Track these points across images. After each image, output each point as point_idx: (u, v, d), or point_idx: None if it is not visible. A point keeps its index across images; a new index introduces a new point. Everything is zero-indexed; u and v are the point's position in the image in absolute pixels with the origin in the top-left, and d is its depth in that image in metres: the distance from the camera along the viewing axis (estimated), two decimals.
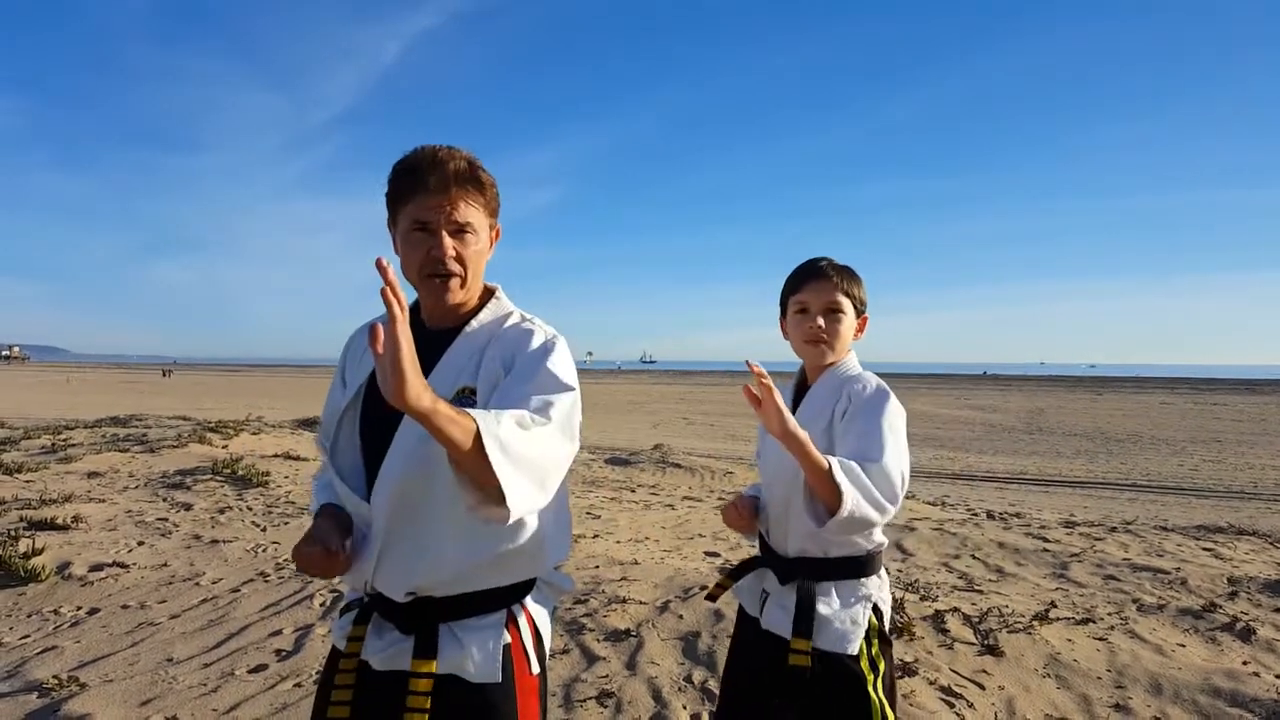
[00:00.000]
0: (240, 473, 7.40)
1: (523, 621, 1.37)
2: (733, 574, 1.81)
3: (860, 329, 1.79)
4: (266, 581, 4.33)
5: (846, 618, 1.62)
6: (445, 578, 1.30)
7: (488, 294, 1.44)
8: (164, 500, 6.43)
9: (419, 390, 1.01)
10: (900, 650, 3.28)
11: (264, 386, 46.62)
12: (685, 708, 2.83)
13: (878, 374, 1.75)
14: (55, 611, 3.91)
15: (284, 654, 3.34)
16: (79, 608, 3.97)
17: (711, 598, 1.87)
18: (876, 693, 1.59)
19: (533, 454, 1.14)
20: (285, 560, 4.73)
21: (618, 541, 5.62)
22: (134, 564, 4.61)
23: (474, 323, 1.38)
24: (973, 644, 3.42)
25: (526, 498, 1.13)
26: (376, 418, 1.32)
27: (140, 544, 5.06)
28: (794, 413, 1.76)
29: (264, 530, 5.56)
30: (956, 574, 4.96)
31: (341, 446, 1.39)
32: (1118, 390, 50.28)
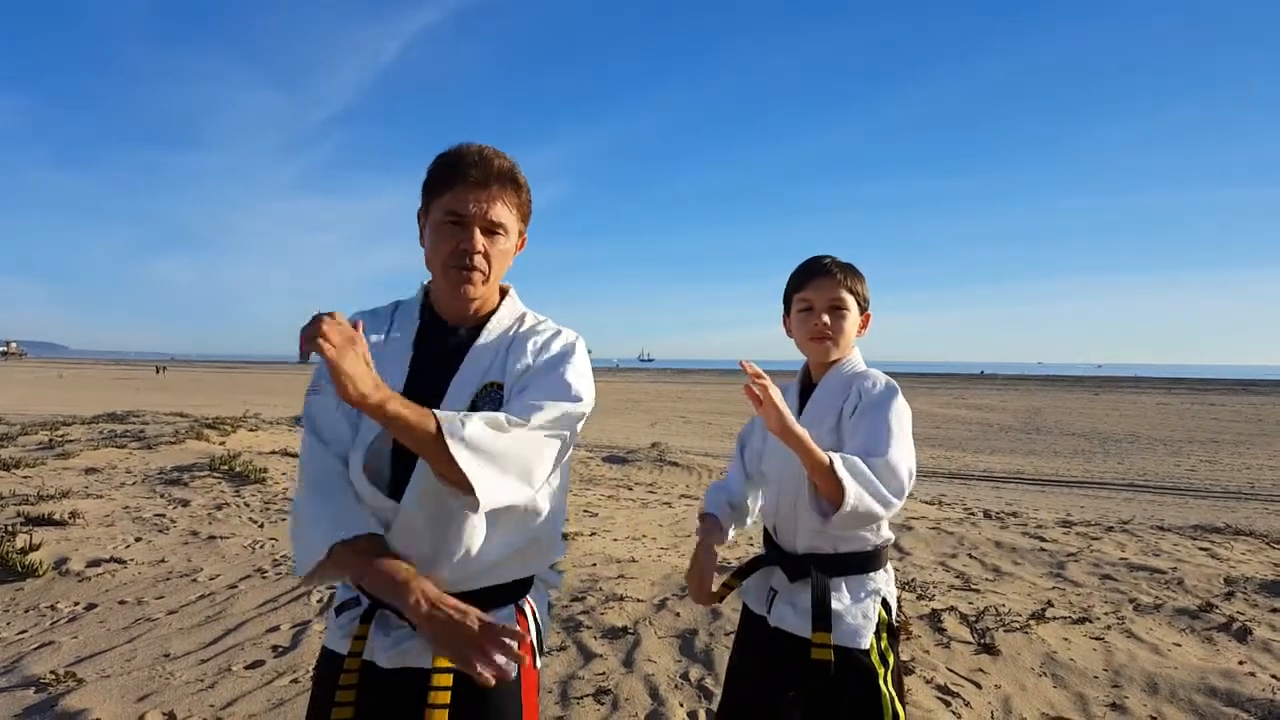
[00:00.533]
0: (238, 469, 7.40)
1: (528, 617, 1.40)
2: (738, 574, 1.80)
3: (864, 325, 1.79)
4: (264, 578, 4.33)
5: (858, 612, 1.63)
6: (465, 574, 1.31)
7: (503, 294, 1.47)
8: (161, 496, 6.43)
9: (370, 385, 1.08)
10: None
11: (262, 383, 46.58)
12: (682, 705, 2.83)
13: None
14: (52, 607, 3.91)
15: (281, 650, 3.34)
16: (76, 603, 3.96)
17: (718, 598, 1.87)
18: (887, 686, 1.61)
19: (501, 448, 1.19)
20: (283, 556, 4.73)
21: (615, 539, 5.62)
22: (131, 560, 4.61)
23: (494, 321, 1.40)
24: (969, 643, 3.42)
25: (496, 489, 1.18)
26: None
27: (138, 540, 5.05)
28: (800, 410, 1.76)
29: (261, 527, 5.56)
30: (953, 573, 4.96)
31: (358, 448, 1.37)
32: (1115, 390, 50.37)
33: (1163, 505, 9.99)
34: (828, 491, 1.49)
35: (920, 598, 4.07)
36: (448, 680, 1.25)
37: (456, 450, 1.13)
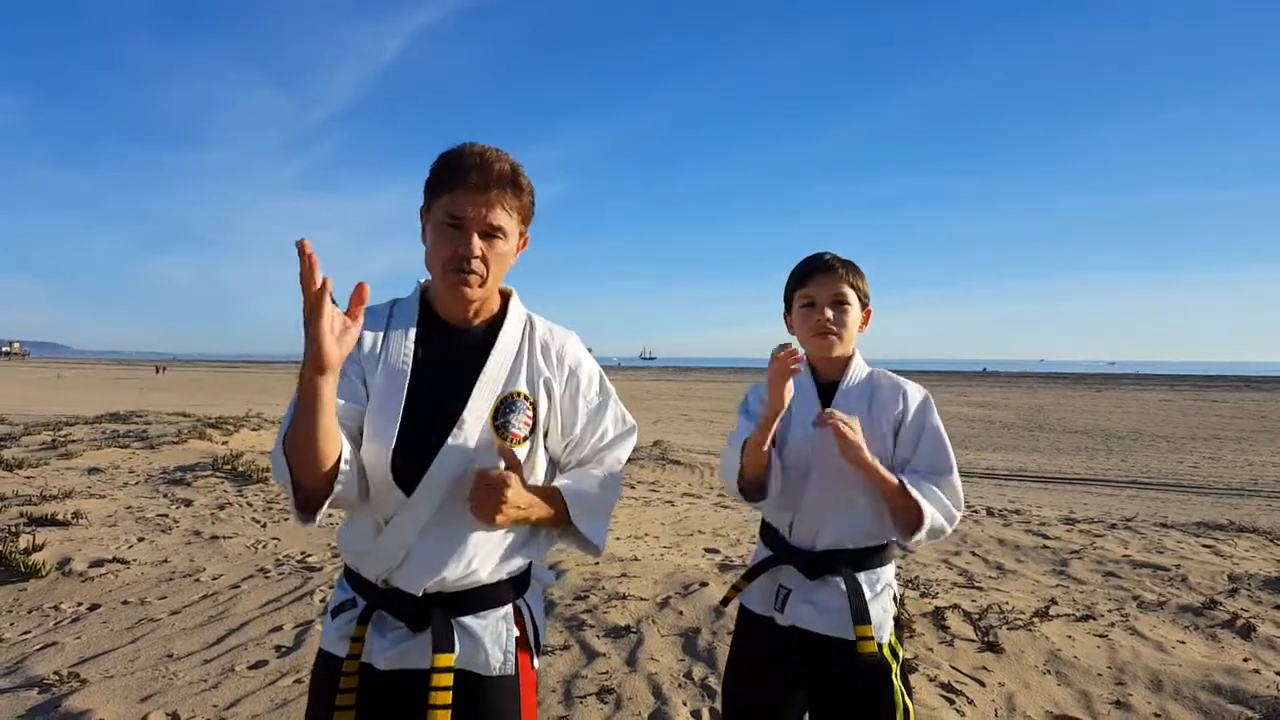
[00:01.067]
0: (240, 469, 7.41)
1: (526, 615, 1.40)
2: (749, 577, 1.77)
3: (865, 322, 1.79)
4: (267, 578, 4.33)
5: (879, 607, 1.64)
6: (466, 571, 1.32)
7: (505, 297, 1.46)
8: (164, 496, 6.44)
9: (520, 506, 1.27)
10: None
11: (263, 383, 46.61)
12: (685, 704, 2.83)
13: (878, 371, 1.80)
14: (56, 607, 3.91)
15: (284, 650, 3.34)
16: (79, 604, 3.97)
17: (725, 602, 1.86)
18: (898, 680, 1.62)
19: (608, 499, 1.44)
20: (286, 556, 4.73)
21: (617, 538, 5.62)
22: (134, 560, 4.61)
23: (508, 328, 1.41)
24: (973, 641, 3.42)
25: (605, 532, 1.44)
26: (424, 417, 1.32)
27: (140, 540, 5.06)
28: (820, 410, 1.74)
29: (264, 526, 5.57)
30: (956, 571, 4.96)
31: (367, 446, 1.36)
32: (1118, 387, 50.28)
33: (1166, 502, 9.97)
34: (902, 512, 1.59)
35: (924, 595, 4.06)
36: (448, 680, 1.25)
37: (580, 521, 1.38)
